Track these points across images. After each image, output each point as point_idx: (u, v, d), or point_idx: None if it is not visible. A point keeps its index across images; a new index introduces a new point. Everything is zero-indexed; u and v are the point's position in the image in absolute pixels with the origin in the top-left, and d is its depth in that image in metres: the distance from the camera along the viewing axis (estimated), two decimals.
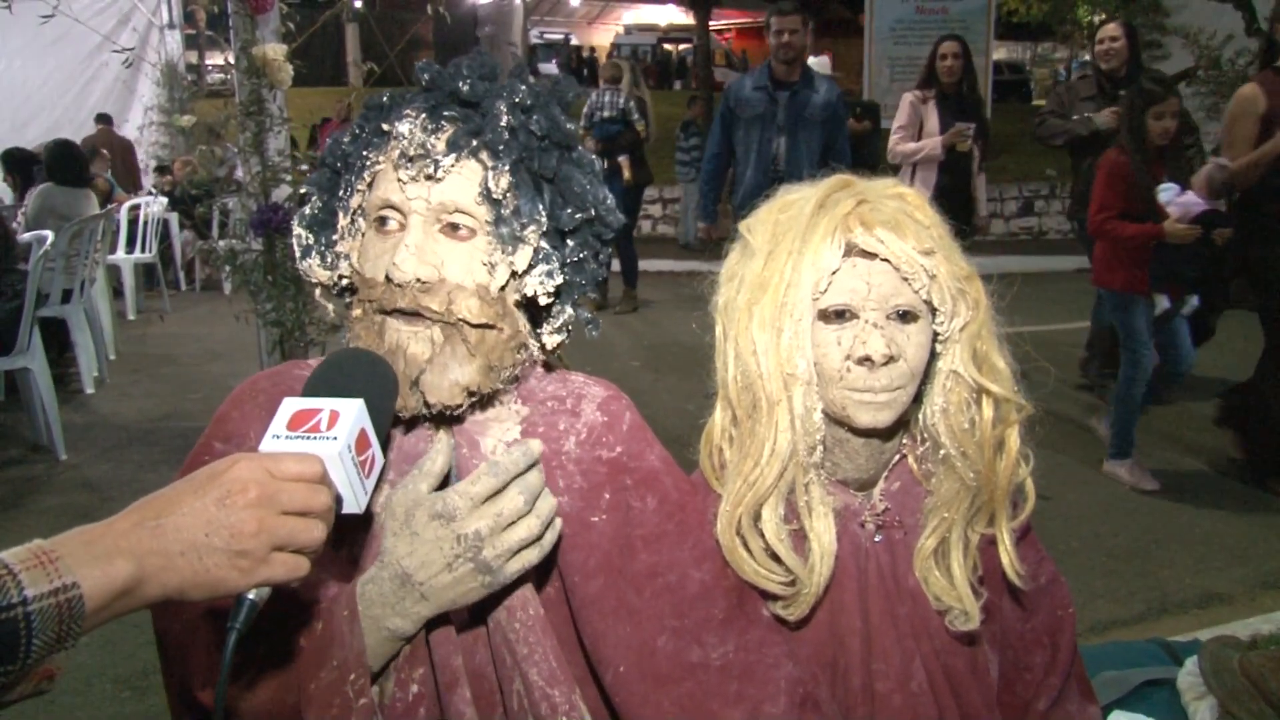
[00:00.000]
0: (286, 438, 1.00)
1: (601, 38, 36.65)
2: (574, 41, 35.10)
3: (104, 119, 11.94)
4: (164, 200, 10.29)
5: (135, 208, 9.90)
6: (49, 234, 5.81)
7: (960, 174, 6.54)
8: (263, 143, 4.96)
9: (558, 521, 1.19)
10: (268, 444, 1.00)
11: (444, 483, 1.20)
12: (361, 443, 1.03)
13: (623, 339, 8.62)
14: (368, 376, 1.13)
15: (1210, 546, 4.37)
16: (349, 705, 1.14)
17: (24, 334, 5.30)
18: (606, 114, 9.55)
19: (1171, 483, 5.09)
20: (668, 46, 34.86)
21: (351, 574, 1.22)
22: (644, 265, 10.75)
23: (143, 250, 9.90)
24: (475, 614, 1.27)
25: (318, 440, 1.00)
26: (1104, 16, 17.31)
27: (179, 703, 1.28)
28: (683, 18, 32.84)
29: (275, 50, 4.77)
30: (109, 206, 8.53)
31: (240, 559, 0.91)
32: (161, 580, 0.89)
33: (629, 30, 36.33)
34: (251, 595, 0.95)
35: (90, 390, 6.85)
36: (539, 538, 1.17)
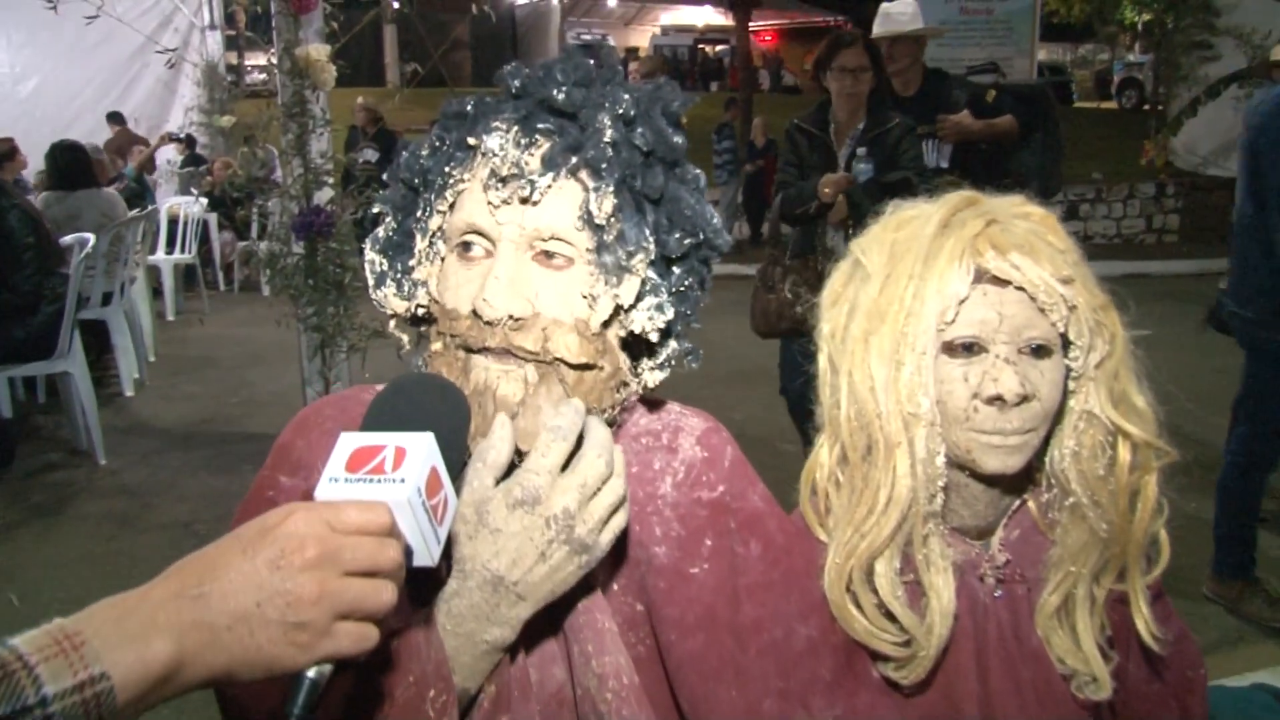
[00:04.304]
0: (346, 481, 0.86)
1: (638, 39, 36.55)
2: (610, 43, 35.04)
3: (115, 118, 11.78)
4: (204, 201, 10.28)
5: (175, 208, 9.91)
6: (90, 236, 5.76)
7: None
8: (305, 145, 4.88)
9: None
10: (324, 489, 0.86)
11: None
12: (433, 484, 0.89)
13: None
14: (436, 405, 0.99)
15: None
16: None
17: (64, 338, 5.25)
18: None
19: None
20: (704, 48, 34.73)
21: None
22: None
23: (182, 251, 9.90)
24: (562, 681, 1.14)
25: (383, 484, 0.86)
26: (1149, 17, 17.06)
27: None
28: (719, 19, 32.70)
29: (318, 51, 4.67)
30: (150, 208, 8.49)
31: (299, 632, 0.78)
32: (206, 661, 0.76)
33: (665, 31, 36.22)
34: (311, 674, 0.81)
35: (130, 393, 6.80)
36: (624, 498, 1.04)
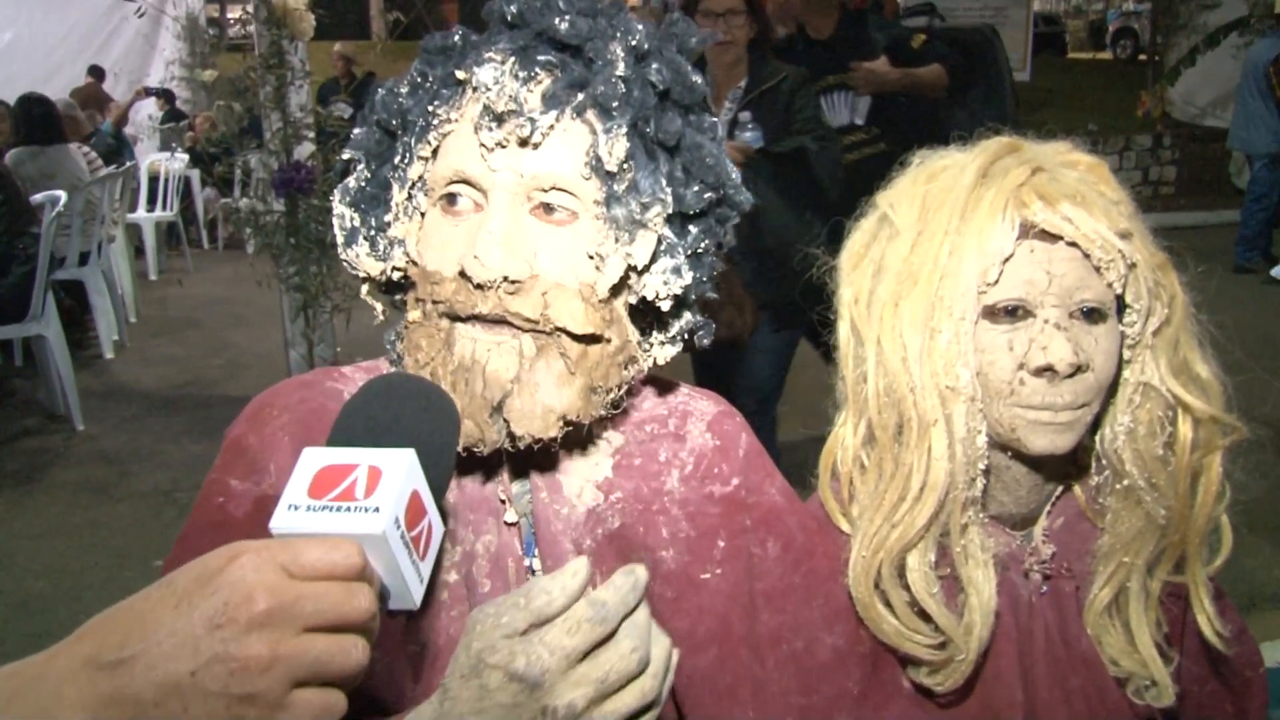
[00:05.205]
0: (308, 510, 0.70)
1: None
2: None
3: (94, 72, 11.45)
4: (185, 157, 10.02)
5: (156, 164, 9.66)
6: (62, 194, 5.56)
7: None
8: (284, 98, 4.68)
9: (673, 664, 0.83)
10: (282, 520, 0.70)
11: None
12: (414, 511, 0.73)
13: None
14: (419, 413, 0.82)
15: None
16: None
17: (37, 300, 5.07)
18: None
19: (1263, 469, 4.77)
20: None
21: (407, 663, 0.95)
22: None
23: (164, 208, 9.65)
24: None
25: (353, 513, 0.70)
26: None
27: None
28: None
29: None
30: (129, 164, 8.27)
31: (245, 706, 0.62)
32: None
33: None
34: None
35: (109, 355, 6.63)
36: (654, 704, 0.80)
